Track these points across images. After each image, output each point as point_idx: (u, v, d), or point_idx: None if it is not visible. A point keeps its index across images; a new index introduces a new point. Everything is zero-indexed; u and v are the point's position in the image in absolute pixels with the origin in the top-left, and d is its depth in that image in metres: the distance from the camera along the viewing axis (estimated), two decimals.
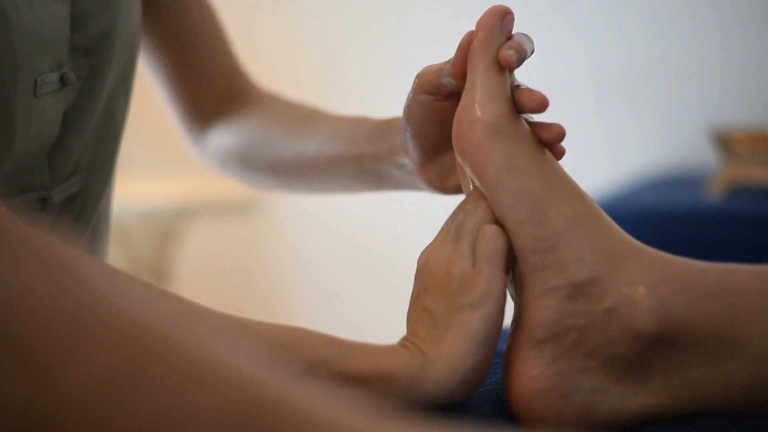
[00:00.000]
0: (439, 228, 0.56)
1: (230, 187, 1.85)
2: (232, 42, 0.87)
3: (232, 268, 2.31)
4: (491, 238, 0.51)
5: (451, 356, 0.50)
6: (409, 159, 0.64)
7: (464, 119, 0.53)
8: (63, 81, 0.60)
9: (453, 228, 0.54)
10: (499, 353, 0.55)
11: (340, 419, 0.26)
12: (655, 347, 0.49)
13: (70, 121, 0.63)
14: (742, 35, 1.77)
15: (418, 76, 0.59)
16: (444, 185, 0.64)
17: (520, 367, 0.51)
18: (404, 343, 0.52)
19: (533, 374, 0.50)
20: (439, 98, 0.58)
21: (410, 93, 0.60)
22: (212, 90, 0.85)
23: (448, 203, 0.74)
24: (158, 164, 2.11)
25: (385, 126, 0.68)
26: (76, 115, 0.63)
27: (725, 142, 1.38)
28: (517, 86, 0.54)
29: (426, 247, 0.55)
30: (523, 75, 0.56)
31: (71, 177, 0.65)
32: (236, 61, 0.87)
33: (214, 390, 0.26)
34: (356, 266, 2.18)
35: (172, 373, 0.26)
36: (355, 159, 0.70)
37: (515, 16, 0.54)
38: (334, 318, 2.11)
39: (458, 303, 0.51)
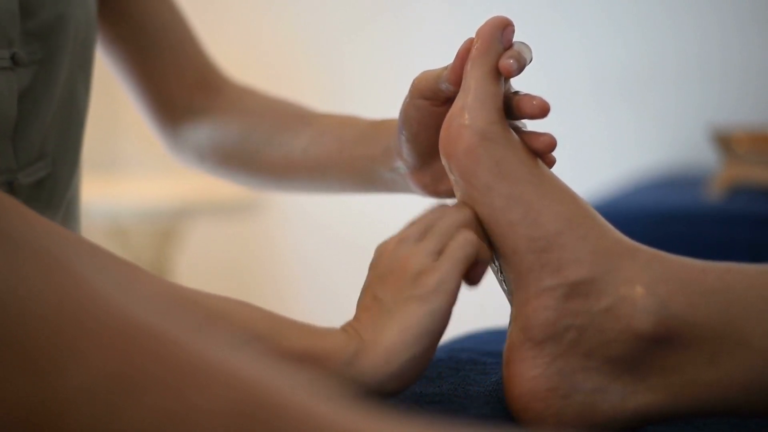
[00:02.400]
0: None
1: (230, 187, 1.85)
2: (197, 34, 0.85)
3: (232, 268, 2.31)
4: (464, 243, 0.51)
5: (389, 346, 0.49)
6: (402, 162, 0.64)
7: (453, 124, 0.53)
8: (14, 60, 0.62)
9: (421, 226, 0.53)
10: (498, 354, 0.55)
11: (339, 420, 0.26)
12: (654, 346, 0.49)
13: (29, 104, 0.64)
14: (742, 35, 1.77)
15: (415, 81, 0.59)
16: (437, 189, 0.64)
17: (519, 367, 0.51)
18: (345, 327, 0.52)
19: (532, 374, 0.50)
20: (435, 103, 0.58)
21: (407, 97, 0.59)
22: (180, 83, 0.83)
23: None
24: (158, 164, 2.11)
25: (377, 127, 0.68)
26: (34, 98, 0.65)
27: (725, 142, 1.38)
28: (516, 92, 0.54)
29: (386, 239, 0.54)
30: (522, 75, 0.55)
31: (38, 161, 0.66)
32: (204, 54, 0.85)
33: (213, 392, 0.26)
34: (355, 266, 2.17)
35: (171, 374, 0.26)
36: (346, 160, 0.69)
37: (514, 19, 0.54)
38: (332, 318, 2.11)
39: (407, 294, 0.50)
